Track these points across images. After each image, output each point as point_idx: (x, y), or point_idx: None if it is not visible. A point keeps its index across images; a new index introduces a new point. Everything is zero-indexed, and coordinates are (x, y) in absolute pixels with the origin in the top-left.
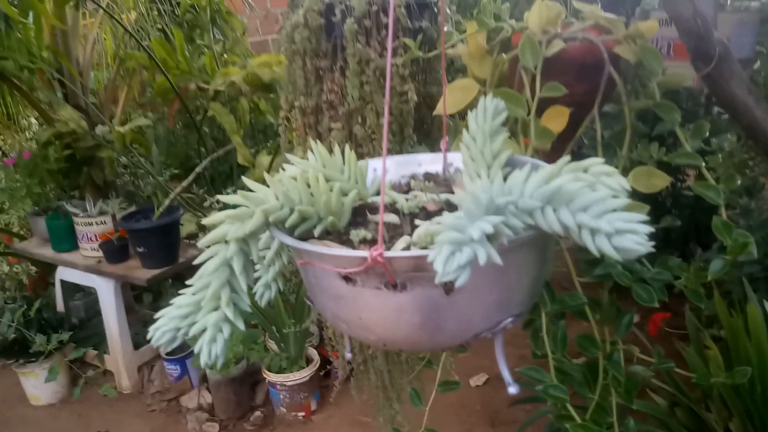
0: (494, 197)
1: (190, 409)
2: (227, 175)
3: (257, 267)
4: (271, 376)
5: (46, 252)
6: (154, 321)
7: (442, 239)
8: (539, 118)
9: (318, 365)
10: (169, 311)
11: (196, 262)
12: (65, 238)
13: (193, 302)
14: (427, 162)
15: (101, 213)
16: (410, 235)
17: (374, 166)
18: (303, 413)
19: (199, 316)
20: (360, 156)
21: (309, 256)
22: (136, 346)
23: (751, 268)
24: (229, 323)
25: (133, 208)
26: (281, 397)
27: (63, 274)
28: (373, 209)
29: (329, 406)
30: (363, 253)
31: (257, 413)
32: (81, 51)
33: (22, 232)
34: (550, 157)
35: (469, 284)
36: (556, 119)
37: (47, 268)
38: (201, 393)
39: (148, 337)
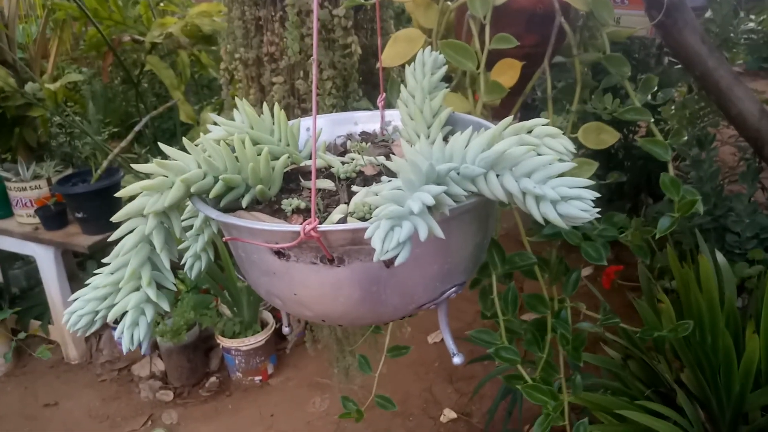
0: (434, 164)
1: (143, 377)
2: (171, 133)
3: (187, 234)
4: (224, 342)
5: None
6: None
7: (380, 213)
8: (489, 71)
9: (273, 328)
10: (85, 293)
11: (111, 238)
12: None
13: (111, 282)
14: (364, 120)
15: (35, 177)
16: (347, 203)
17: (307, 125)
18: (260, 377)
19: (118, 298)
20: (304, 111)
21: (236, 230)
22: None
23: (701, 219)
24: (152, 304)
25: (69, 171)
26: (236, 362)
27: None
28: (307, 174)
29: (286, 369)
30: (295, 227)
31: (212, 379)
32: (5, 1)
33: None
34: (499, 112)
35: (409, 256)
36: (507, 73)
37: None
38: (153, 361)
39: (63, 321)
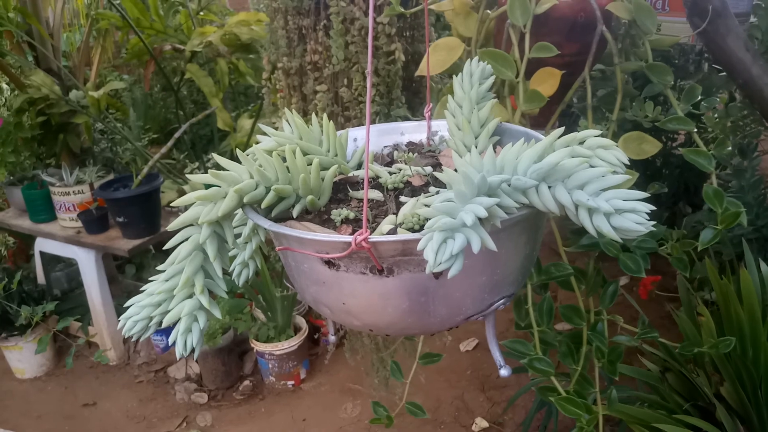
0: (486, 176)
1: (178, 379)
2: (208, 140)
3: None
4: (258, 346)
5: (24, 223)
6: (138, 292)
7: (433, 225)
8: (528, 80)
9: (306, 334)
10: (140, 299)
11: (166, 246)
12: (42, 208)
13: (165, 289)
14: (410, 131)
15: (78, 182)
16: (395, 213)
17: (354, 135)
18: (292, 382)
19: (172, 304)
20: (347, 119)
21: (288, 240)
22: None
23: (742, 229)
24: (204, 312)
25: (111, 176)
26: (270, 366)
27: (42, 245)
28: (355, 184)
29: (319, 374)
30: (347, 237)
31: (246, 383)
32: (50, 11)
33: None
34: (538, 120)
35: None
36: (547, 81)
37: (27, 240)
38: (188, 363)
39: (118, 327)
